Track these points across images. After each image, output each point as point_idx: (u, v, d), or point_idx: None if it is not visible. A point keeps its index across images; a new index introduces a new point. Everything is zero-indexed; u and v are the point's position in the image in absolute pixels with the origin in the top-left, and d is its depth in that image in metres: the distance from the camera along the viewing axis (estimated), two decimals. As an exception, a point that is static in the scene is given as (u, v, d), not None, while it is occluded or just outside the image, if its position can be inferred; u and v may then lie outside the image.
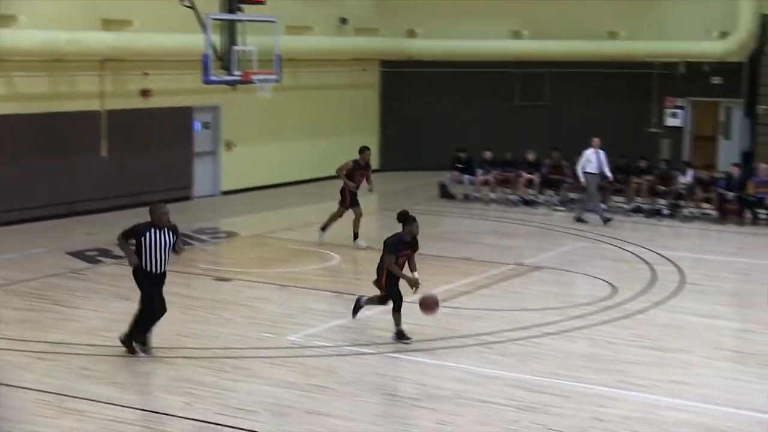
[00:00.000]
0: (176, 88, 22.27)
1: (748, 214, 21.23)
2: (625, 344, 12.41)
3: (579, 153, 21.62)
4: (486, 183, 23.90)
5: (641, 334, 12.87)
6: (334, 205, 18.23)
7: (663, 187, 22.22)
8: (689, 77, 28.01)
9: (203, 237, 19.09)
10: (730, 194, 21.28)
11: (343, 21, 26.73)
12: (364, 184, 18.18)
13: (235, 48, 19.82)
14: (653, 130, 28.24)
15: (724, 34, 27.49)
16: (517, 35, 28.66)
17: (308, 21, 25.42)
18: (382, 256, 12.26)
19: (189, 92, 22.36)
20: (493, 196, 23.80)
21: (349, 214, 18.10)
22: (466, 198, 24.02)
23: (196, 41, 19.55)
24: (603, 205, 21.42)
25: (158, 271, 11.28)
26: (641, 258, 17.65)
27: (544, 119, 28.13)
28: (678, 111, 28.63)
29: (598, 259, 17.97)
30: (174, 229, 11.40)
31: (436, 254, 17.51)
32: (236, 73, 19.77)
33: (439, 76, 28.10)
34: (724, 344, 12.60)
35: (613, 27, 28.27)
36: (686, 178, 22.26)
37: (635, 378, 11.07)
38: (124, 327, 11.59)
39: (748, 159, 26.48)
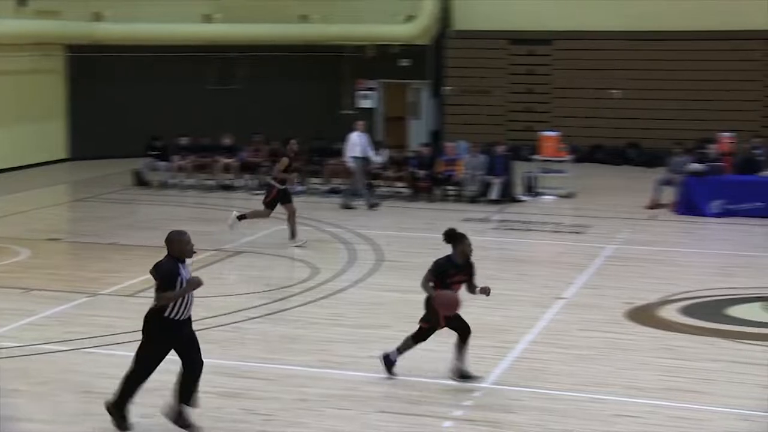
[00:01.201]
0: None
1: (438, 191, 22.11)
2: (326, 324, 12.53)
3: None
4: (182, 169, 23.45)
5: (341, 313, 13.05)
6: (19, 197, 17.23)
7: (357, 168, 22.68)
8: (379, 60, 28.83)
9: None
10: (422, 172, 22.07)
11: (22, 2, 25.26)
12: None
13: None
14: (347, 111, 28.83)
15: (410, 18, 28.49)
16: (208, 19, 28.30)
17: (-19, 2, 23.87)
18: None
19: None
20: (190, 182, 23.39)
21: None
22: (163, 185, 23.47)
23: None
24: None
25: (185, 317, 9.00)
26: (340, 238, 17.92)
27: (239, 103, 27.97)
28: (370, 92, 29.41)
29: (298, 241, 18.06)
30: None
31: (131, 243, 17.02)
32: None
33: (131, 61, 27.23)
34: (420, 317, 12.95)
35: (305, 11, 28.54)
36: (380, 158, 22.85)
37: (337, 356, 11.19)
38: None
39: (436, 138, 27.67)
